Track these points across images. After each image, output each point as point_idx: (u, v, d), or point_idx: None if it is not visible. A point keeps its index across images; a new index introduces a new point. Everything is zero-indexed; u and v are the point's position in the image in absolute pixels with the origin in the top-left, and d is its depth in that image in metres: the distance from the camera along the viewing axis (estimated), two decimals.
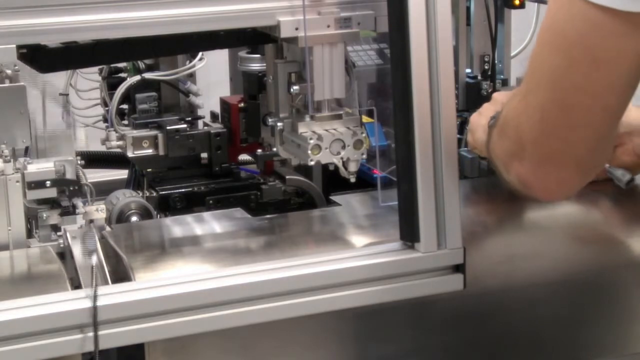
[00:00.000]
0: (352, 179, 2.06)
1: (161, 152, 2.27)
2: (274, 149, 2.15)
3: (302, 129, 2.01)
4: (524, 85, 1.39)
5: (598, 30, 1.27)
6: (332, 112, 2.03)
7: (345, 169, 2.04)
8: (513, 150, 1.42)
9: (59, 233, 2.03)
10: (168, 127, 2.27)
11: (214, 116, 2.44)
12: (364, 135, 2.02)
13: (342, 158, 2.01)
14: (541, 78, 1.35)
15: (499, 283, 2.01)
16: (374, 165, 2.20)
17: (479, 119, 1.99)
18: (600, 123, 1.35)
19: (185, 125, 2.29)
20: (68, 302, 1.72)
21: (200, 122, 2.39)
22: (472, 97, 2.37)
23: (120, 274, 1.88)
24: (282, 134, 2.07)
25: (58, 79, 2.36)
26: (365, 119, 2.16)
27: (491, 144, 1.52)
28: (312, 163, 2.00)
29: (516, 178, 1.45)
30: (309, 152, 1.98)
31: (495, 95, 2.06)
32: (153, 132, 2.28)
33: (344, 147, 2.00)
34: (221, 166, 2.32)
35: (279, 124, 2.07)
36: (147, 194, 2.27)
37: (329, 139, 1.99)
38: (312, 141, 1.98)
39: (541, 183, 1.42)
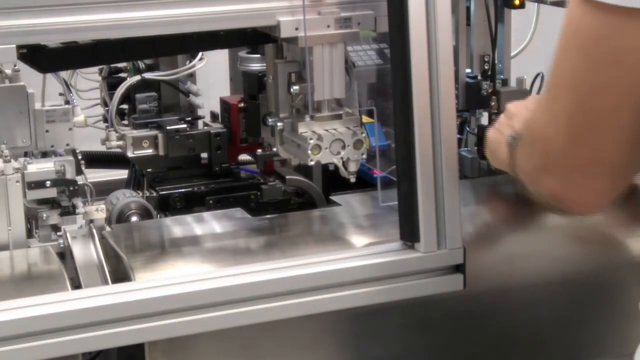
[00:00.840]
0: (352, 179, 2.06)
1: (161, 152, 2.27)
2: (274, 149, 2.15)
3: (302, 129, 2.01)
4: (546, 94, 1.35)
5: (614, 29, 1.24)
6: (332, 112, 2.03)
7: (345, 169, 2.04)
8: (541, 163, 1.37)
9: (59, 233, 2.03)
10: (168, 127, 2.27)
11: (214, 116, 2.44)
12: (364, 135, 2.02)
13: (342, 158, 2.01)
14: (563, 83, 1.31)
15: (499, 283, 2.01)
16: (374, 165, 2.20)
17: (497, 135, 1.95)
18: (628, 125, 1.29)
19: (185, 125, 2.29)
20: (68, 302, 1.72)
21: (200, 122, 2.39)
22: (472, 97, 2.37)
23: (120, 274, 1.89)
24: (282, 134, 2.07)
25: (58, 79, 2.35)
26: (365, 119, 2.16)
27: (517, 162, 1.46)
28: (312, 163, 2.00)
29: (547, 192, 1.39)
30: (309, 152, 1.98)
31: (510, 107, 2.00)
32: (153, 132, 2.28)
33: (344, 147, 2.00)
34: (221, 166, 2.32)
35: (279, 124, 2.07)
36: (147, 194, 2.27)
37: (329, 139, 1.99)
38: (312, 141, 1.98)
39: (573, 195, 1.36)
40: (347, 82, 2.04)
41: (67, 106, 2.12)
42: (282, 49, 2.08)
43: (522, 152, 1.44)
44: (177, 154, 2.28)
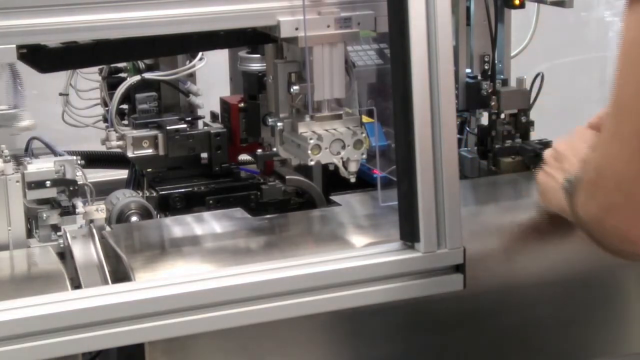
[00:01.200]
0: (352, 179, 2.06)
1: (161, 152, 2.27)
2: (274, 149, 2.15)
3: (302, 129, 2.01)
4: (609, 123, 1.24)
5: None
6: (332, 112, 2.03)
7: (345, 169, 2.04)
8: (611, 201, 1.25)
9: (59, 233, 2.03)
10: (168, 127, 2.27)
11: (214, 116, 2.44)
12: (364, 135, 2.02)
13: (342, 158, 2.01)
14: (629, 102, 1.21)
15: (499, 283, 2.01)
16: (374, 165, 2.20)
17: (548, 179, 1.87)
18: None
19: (185, 125, 2.29)
20: (68, 302, 1.72)
21: (200, 122, 2.39)
22: (472, 97, 2.37)
23: (120, 274, 1.88)
24: (282, 134, 2.07)
25: (58, 79, 2.36)
26: (365, 119, 2.16)
27: (580, 207, 1.33)
28: (312, 163, 2.00)
29: (616, 232, 1.26)
30: (309, 152, 1.98)
31: (558, 147, 1.88)
32: (153, 132, 2.28)
33: (344, 147, 2.00)
34: (221, 166, 2.32)
35: (279, 124, 2.07)
36: (147, 194, 2.27)
37: (329, 139, 1.99)
38: (312, 141, 1.98)
39: None
40: (347, 82, 2.04)
41: (13, 111, 2.09)
42: (282, 49, 2.08)
43: (583, 195, 1.32)
44: (177, 154, 2.28)
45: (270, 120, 2.13)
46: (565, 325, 2.09)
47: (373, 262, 1.88)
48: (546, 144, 2.30)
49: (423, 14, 1.82)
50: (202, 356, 1.85)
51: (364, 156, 2.04)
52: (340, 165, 2.03)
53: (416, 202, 1.87)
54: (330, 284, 1.85)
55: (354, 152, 2.01)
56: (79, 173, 2.06)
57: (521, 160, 2.33)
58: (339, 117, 2.02)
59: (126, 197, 2.18)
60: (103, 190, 2.24)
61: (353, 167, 2.04)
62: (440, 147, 1.86)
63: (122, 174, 2.50)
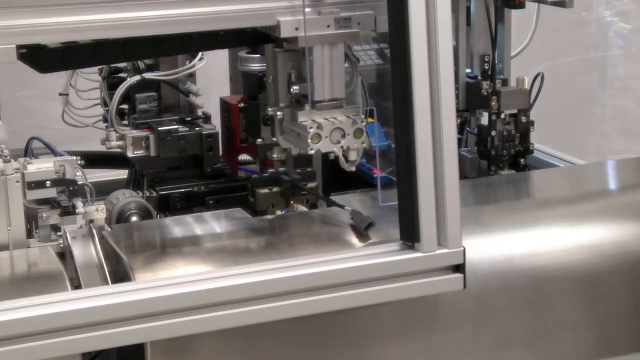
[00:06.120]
0: (352, 168, 2.05)
1: (152, 153, 2.27)
2: (274, 139, 2.14)
3: (302, 117, 2.00)
4: None
5: None
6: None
7: (345, 158, 2.03)
8: None
9: (59, 233, 2.03)
10: (159, 128, 2.26)
11: (206, 117, 2.43)
12: (364, 124, 2.02)
13: (342, 147, 2.01)
14: None
15: (499, 283, 2.01)
16: (374, 165, 2.19)
17: None
18: None
19: (177, 126, 2.29)
20: (68, 302, 1.72)
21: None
22: (472, 97, 2.37)
23: (120, 274, 1.89)
24: (282, 124, 2.07)
25: (58, 79, 2.36)
26: None
27: None
28: (312, 152, 1.99)
29: None
30: (309, 140, 1.97)
31: None
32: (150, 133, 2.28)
33: (344, 135, 2.00)
34: (212, 167, 2.31)
35: (278, 113, 2.06)
36: (147, 194, 2.27)
37: (329, 128, 1.99)
38: (312, 130, 1.97)
39: None
40: (351, 77, 2.03)
41: None
42: (282, 46, 2.08)
43: None
44: (168, 154, 2.27)
45: (269, 109, 2.11)
46: (567, 325, 2.09)
47: (373, 262, 1.88)
48: (308, 175, 2.24)
49: (423, 14, 1.82)
50: (202, 356, 1.85)
51: (364, 145, 2.03)
52: (340, 154, 2.02)
53: (416, 202, 1.87)
54: (330, 284, 1.85)
55: (354, 141, 2.01)
56: (79, 173, 2.05)
57: (278, 191, 2.24)
58: (339, 105, 2.02)
59: (126, 197, 2.18)
60: (103, 190, 2.24)
61: (353, 155, 2.02)
62: (440, 147, 1.86)
63: (122, 174, 2.50)
